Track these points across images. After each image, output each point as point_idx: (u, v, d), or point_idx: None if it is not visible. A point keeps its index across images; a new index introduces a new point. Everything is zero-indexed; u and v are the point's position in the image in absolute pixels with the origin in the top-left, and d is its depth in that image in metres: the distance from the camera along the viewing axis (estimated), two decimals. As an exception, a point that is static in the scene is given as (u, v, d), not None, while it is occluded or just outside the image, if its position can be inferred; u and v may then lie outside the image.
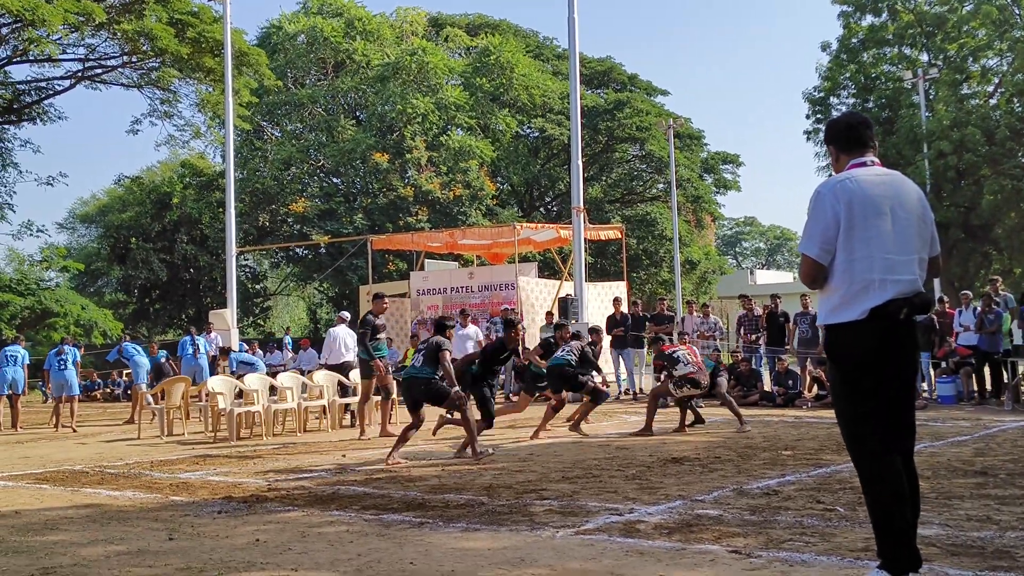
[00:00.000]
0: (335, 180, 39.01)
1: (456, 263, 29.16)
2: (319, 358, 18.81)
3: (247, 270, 42.00)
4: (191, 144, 37.51)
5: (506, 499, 6.94)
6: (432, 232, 28.97)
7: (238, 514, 6.76)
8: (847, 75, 34.89)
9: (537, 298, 22.19)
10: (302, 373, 16.95)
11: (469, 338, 15.45)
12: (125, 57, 29.30)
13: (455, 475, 8.45)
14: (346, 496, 7.41)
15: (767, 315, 17.98)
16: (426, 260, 27.67)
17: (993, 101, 32.77)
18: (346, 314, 16.90)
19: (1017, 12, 32.21)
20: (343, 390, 14.68)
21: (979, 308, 15.56)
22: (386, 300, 13.46)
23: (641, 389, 18.65)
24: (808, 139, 35.53)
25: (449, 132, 37.29)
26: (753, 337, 18.00)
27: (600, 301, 21.98)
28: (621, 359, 18.99)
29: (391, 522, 6.25)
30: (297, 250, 40.02)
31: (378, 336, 12.75)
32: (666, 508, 6.44)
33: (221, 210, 31.11)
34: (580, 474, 8.12)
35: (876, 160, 4.43)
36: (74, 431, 15.30)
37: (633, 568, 4.83)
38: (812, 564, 4.77)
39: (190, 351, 19.31)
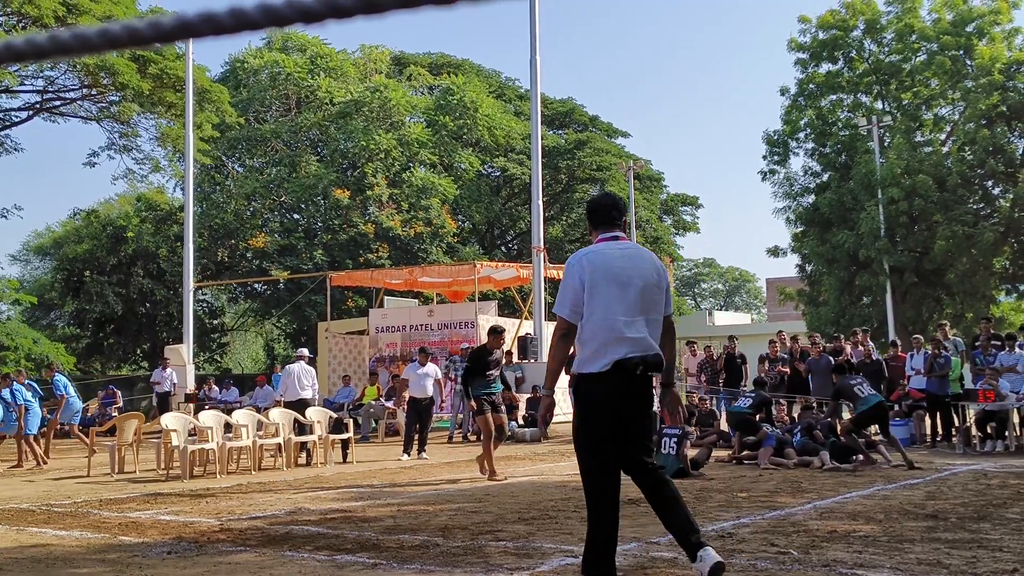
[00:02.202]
0: (296, 216, 38.90)
1: (416, 301, 29.14)
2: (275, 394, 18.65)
3: (204, 305, 41.60)
4: (149, 178, 37.26)
5: (461, 540, 6.90)
6: (392, 269, 28.96)
7: (188, 555, 6.64)
8: (805, 120, 35.49)
9: (496, 337, 22.16)
10: (258, 410, 16.76)
11: (428, 376, 15.40)
12: (85, 90, 29.13)
13: (410, 515, 8.39)
14: (299, 536, 7.32)
15: (725, 356, 18.13)
16: (385, 297, 27.61)
17: (945, 149, 33.47)
18: (305, 351, 16.80)
19: (969, 63, 33.00)
20: (300, 428, 14.54)
21: (930, 352, 15.80)
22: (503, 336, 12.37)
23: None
24: (764, 179, 36.04)
25: (411, 169, 37.39)
26: (710, 380, 18.14)
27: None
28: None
29: (344, 563, 6.18)
30: (256, 286, 39.76)
31: (489, 372, 11.84)
32: (621, 551, 6.42)
33: (179, 244, 30.88)
34: (536, 515, 8.09)
35: (622, 235, 5.26)
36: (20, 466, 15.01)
37: (587, 612, 4.80)
38: (765, 608, 4.78)
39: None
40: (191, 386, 23.90)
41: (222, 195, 37.67)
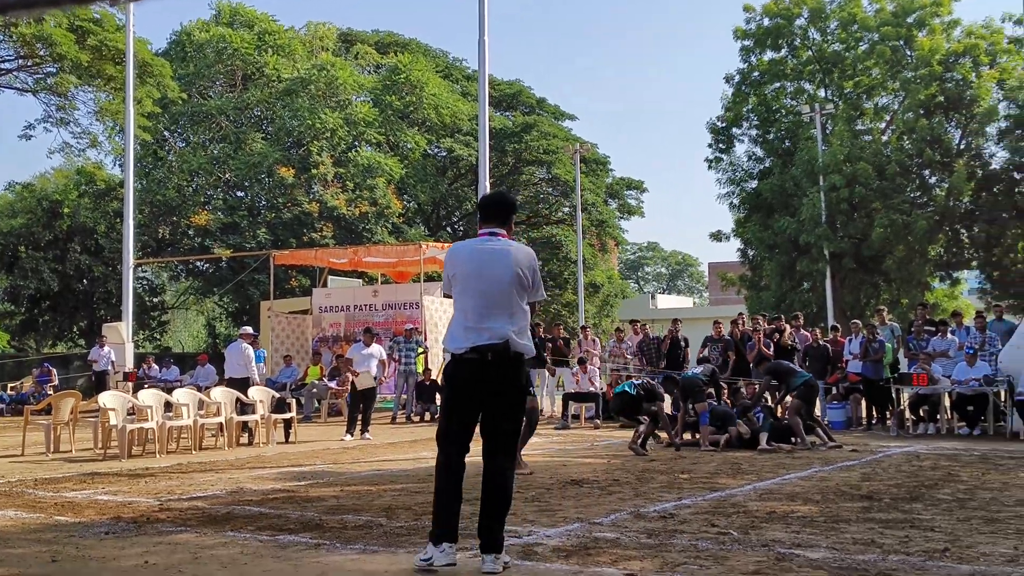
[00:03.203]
0: (239, 194, 38.38)
1: (360, 281, 28.96)
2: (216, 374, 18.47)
3: (144, 282, 40.90)
4: (87, 153, 36.44)
5: (405, 520, 6.90)
6: (336, 248, 28.71)
7: (127, 535, 6.56)
8: (749, 107, 35.83)
9: (442, 318, 22.14)
10: (199, 389, 16.57)
11: (373, 357, 15.33)
12: (21, 61, 28.39)
13: (354, 496, 8.37)
14: (241, 517, 7.26)
15: (670, 340, 18.28)
16: (329, 277, 27.39)
17: (885, 138, 34.03)
18: (249, 329, 16.63)
19: (909, 54, 33.54)
20: (242, 407, 14.41)
21: (865, 337, 16.11)
22: None
23: (542, 409, 18.73)
24: (710, 167, 36.35)
25: (357, 148, 37.08)
26: (655, 363, 18.25)
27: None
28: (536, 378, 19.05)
29: (287, 543, 6.15)
30: (198, 263, 39.19)
31: None
32: (564, 531, 6.48)
33: (118, 220, 30.30)
34: (479, 496, 8.10)
35: (499, 232, 5.60)
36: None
37: (530, 591, 4.84)
38: (705, 587, 4.86)
39: None
40: (130, 365, 23.53)
41: (163, 171, 37.01)
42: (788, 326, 17.34)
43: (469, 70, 46.35)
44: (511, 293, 5.44)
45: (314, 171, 35.29)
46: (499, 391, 5.41)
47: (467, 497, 5.49)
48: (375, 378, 15.40)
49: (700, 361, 15.32)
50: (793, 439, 12.58)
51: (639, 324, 19.52)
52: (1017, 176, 30.58)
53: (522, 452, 10.06)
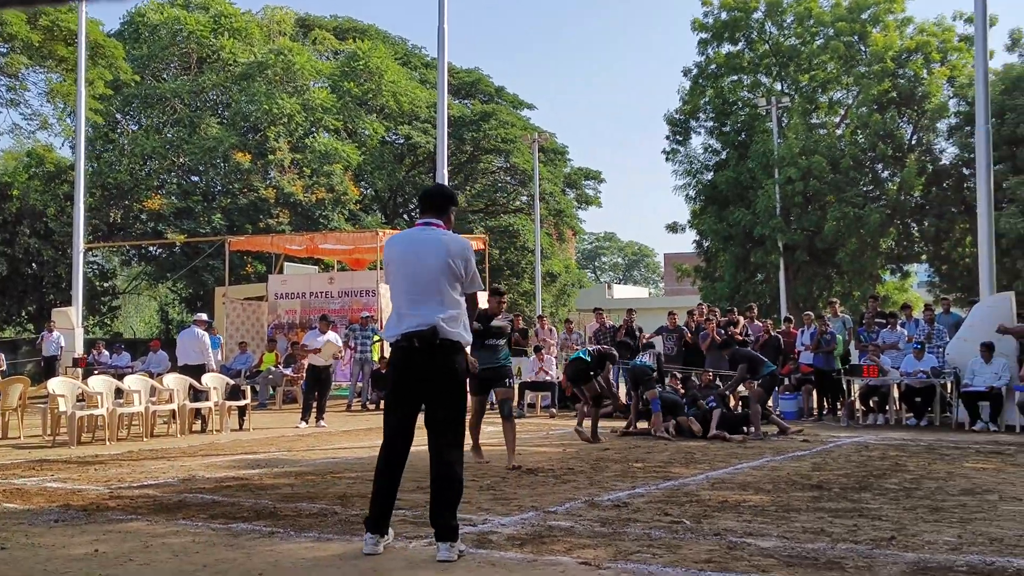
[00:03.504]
0: (194, 178, 37.91)
1: (316, 267, 28.78)
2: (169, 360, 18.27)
3: (95, 267, 40.27)
4: (37, 135, 35.79)
5: (360, 508, 6.89)
6: (293, 235, 28.51)
7: (76, 523, 6.49)
8: (706, 99, 36.05)
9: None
10: (151, 376, 16.39)
11: (329, 343, 15.27)
12: (-30, 39, 27.82)
13: (309, 483, 8.34)
14: (193, 504, 7.21)
15: (625, 330, 18.37)
16: (285, 263, 27.20)
17: (839, 132, 34.44)
18: (203, 316, 16.48)
19: (863, 49, 33.94)
20: (195, 394, 14.29)
21: (817, 329, 16.32)
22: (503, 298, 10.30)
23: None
24: (667, 159, 36.55)
25: (314, 134, 36.79)
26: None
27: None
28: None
29: (240, 532, 6.12)
30: (150, 248, 38.67)
31: (490, 341, 9.76)
32: (519, 519, 6.52)
33: (69, 203, 29.81)
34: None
35: (436, 223, 5.70)
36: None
37: (484, 579, 4.87)
38: (658, 575, 4.91)
39: None
40: (80, 350, 23.21)
41: (115, 154, 36.44)
42: (742, 318, 17.52)
43: (428, 57, 46.18)
44: (441, 281, 5.51)
45: (271, 157, 34.97)
46: (427, 378, 5.49)
47: (422, 486, 5.51)
48: (329, 368, 15.36)
49: (645, 347, 15.35)
50: (746, 428, 12.72)
51: (600, 311, 19.59)
52: (966, 172, 31.07)
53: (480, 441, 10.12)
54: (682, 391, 14.05)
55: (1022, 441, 12.10)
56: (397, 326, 5.55)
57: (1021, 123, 28.62)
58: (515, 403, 11.36)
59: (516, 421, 9.99)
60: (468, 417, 9.19)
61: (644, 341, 16.73)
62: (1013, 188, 28.03)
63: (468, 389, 9.60)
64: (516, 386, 11.10)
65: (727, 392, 13.90)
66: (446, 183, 20.20)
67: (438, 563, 5.22)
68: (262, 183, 34.96)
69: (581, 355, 12.46)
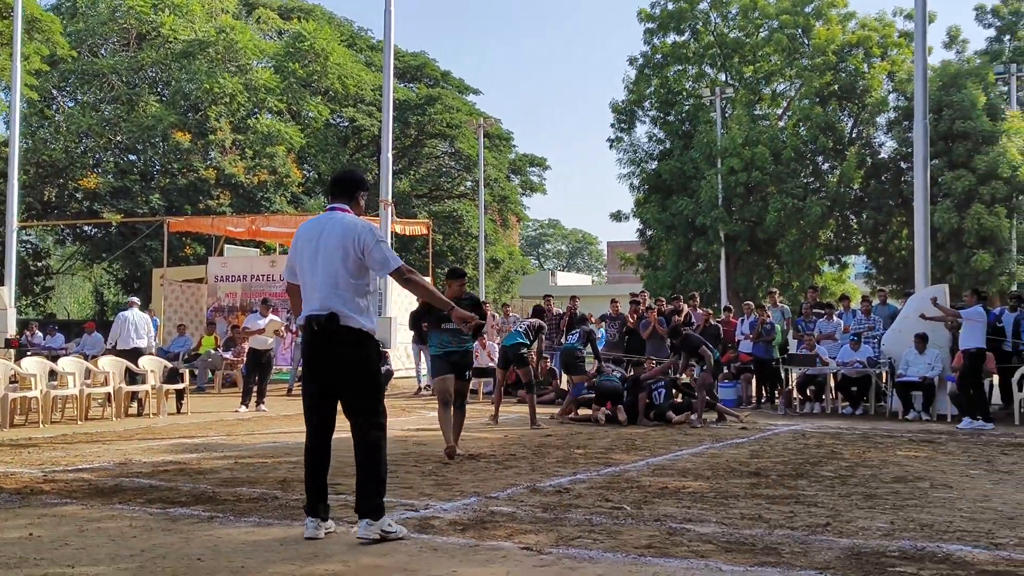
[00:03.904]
0: (132, 157, 37.19)
1: (258, 250, 28.43)
2: (105, 342, 17.91)
3: (28, 246, 39.36)
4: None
5: (300, 493, 6.81)
6: (233, 217, 28.15)
7: (9, 507, 6.36)
8: (651, 89, 36.26)
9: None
10: (86, 358, 16.08)
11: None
12: (-101, 9, 26.94)
13: (248, 468, 8.26)
14: (130, 489, 7.10)
15: (568, 317, 18.42)
16: (226, 246, 26.84)
17: (782, 124, 34.88)
18: (135, 299, 16.20)
19: (806, 42, 34.39)
20: (132, 378, 14.05)
21: (757, 318, 16.53)
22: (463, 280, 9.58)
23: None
24: (612, 147, 36.72)
25: (257, 115, 36.28)
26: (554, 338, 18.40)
27: (404, 295, 21.93)
28: (422, 354, 19.02)
29: (178, 516, 6.05)
30: (86, 228, 37.87)
31: (451, 325, 8.88)
32: (461, 505, 6.52)
33: (2, 180, 29.08)
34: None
35: (344, 208, 5.71)
36: None
37: (426, 564, 4.87)
38: (598, 560, 4.95)
39: None
40: (12, 331, 22.67)
41: (51, 131, 35.61)
42: (685, 306, 17.67)
43: (374, 40, 45.79)
44: (341, 267, 5.51)
45: (212, 137, 34.42)
46: (332, 364, 5.52)
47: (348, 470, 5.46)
48: (270, 351, 15.20)
49: (577, 323, 15.44)
50: (691, 414, 12.79)
51: (550, 298, 19.62)
52: (904, 166, 31.68)
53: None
54: (630, 374, 14.00)
55: (953, 430, 12.40)
56: (304, 311, 5.61)
57: (958, 119, 29.25)
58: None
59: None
60: (437, 410, 9.14)
61: (582, 315, 16.88)
62: (948, 183, 28.66)
63: (432, 372, 9.35)
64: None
65: (677, 376, 13.93)
66: (391, 167, 20.08)
67: (379, 547, 5.20)
68: (202, 163, 34.41)
69: (518, 338, 12.46)
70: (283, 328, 15.35)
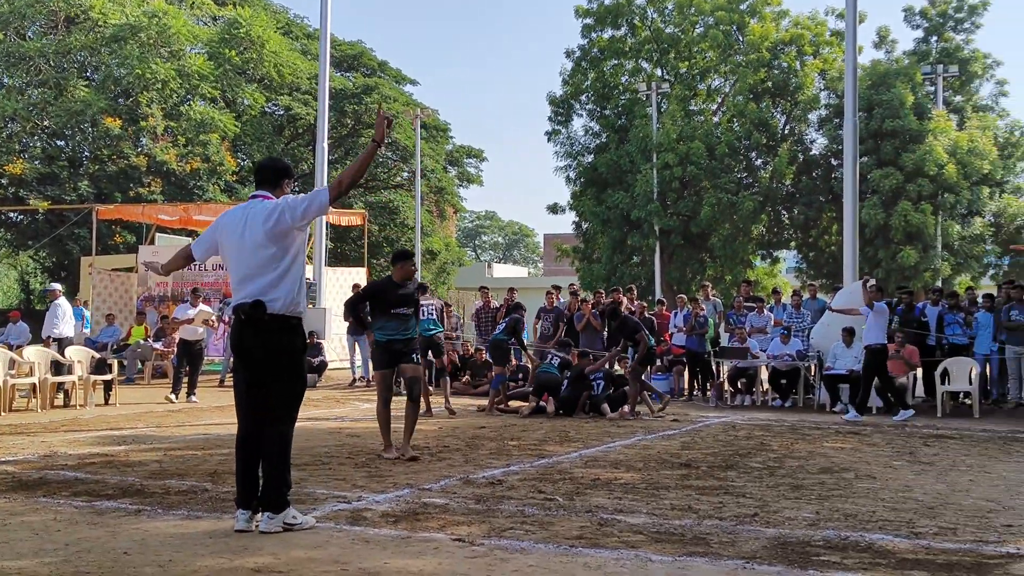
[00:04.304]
0: (60, 142, 36.30)
1: (190, 239, 27.95)
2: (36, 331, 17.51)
3: (-50, 233, 38.28)
4: None
5: (231, 485, 6.74)
6: (165, 205, 27.65)
7: (-72, 500, 6.19)
8: (588, 82, 36.43)
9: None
10: (10, 348, 15.69)
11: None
12: None
13: (178, 460, 8.15)
14: (55, 482, 6.97)
15: (506, 308, 18.42)
16: (157, 234, 26.37)
17: (716, 119, 35.30)
18: (57, 286, 15.84)
19: (740, 39, 34.84)
20: (57, 368, 13.75)
21: (691, 311, 16.74)
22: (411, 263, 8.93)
23: (374, 376, 18.68)
24: (549, 140, 36.83)
25: (190, 102, 35.64)
26: (485, 329, 18.41)
27: (339, 286, 21.81)
28: (357, 345, 18.92)
29: (104, 509, 5.95)
30: (11, 215, 36.88)
31: (397, 310, 8.50)
32: (394, 496, 6.52)
33: (-77, 165, 28.24)
34: (309, 461, 8.05)
35: (267, 195, 5.64)
36: None
37: (358, 556, 4.85)
38: (530, 551, 4.98)
39: None
40: (-67, 320, 22.05)
41: (-27, 115, 34.55)
42: (624, 298, 17.80)
43: (310, 28, 45.23)
44: (265, 254, 5.46)
45: (143, 123, 33.72)
46: (259, 352, 5.48)
47: (296, 463, 5.44)
48: (201, 342, 14.96)
49: (509, 310, 15.52)
50: (624, 407, 12.90)
51: (486, 290, 19.64)
52: (834, 162, 32.30)
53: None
54: (576, 363, 13.92)
55: (878, 422, 12.70)
56: (232, 301, 5.62)
57: (887, 118, 29.89)
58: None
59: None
60: (376, 405, 8.73)
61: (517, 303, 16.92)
62: (877, 180, 29.29)
63: (373, 363, 8.90)
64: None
65: (614, 359, 13.90)
66: (326, 156, 19.92)
67: (311, 539, 5.18)
68: (133, 150, 33.71)
69: (430, 324, 12.40)
70: (213, 318, 15.12)
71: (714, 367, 16.54)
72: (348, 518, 5.75)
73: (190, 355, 14.70)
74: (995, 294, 15.85)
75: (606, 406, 12.91)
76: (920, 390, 15.50)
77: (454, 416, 12.46)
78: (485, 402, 13.88)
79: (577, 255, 37.35)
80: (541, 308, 17.93)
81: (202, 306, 15.04)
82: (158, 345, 19.32)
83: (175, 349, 15.80)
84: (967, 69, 36.41)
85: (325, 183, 19.79)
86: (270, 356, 5.49)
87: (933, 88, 33.99)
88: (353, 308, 8.59)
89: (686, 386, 16.90)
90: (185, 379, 14.64)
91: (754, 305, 17.04)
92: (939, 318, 15.39)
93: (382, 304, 8.52)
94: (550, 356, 13.91)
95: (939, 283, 28.55)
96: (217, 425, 11.15)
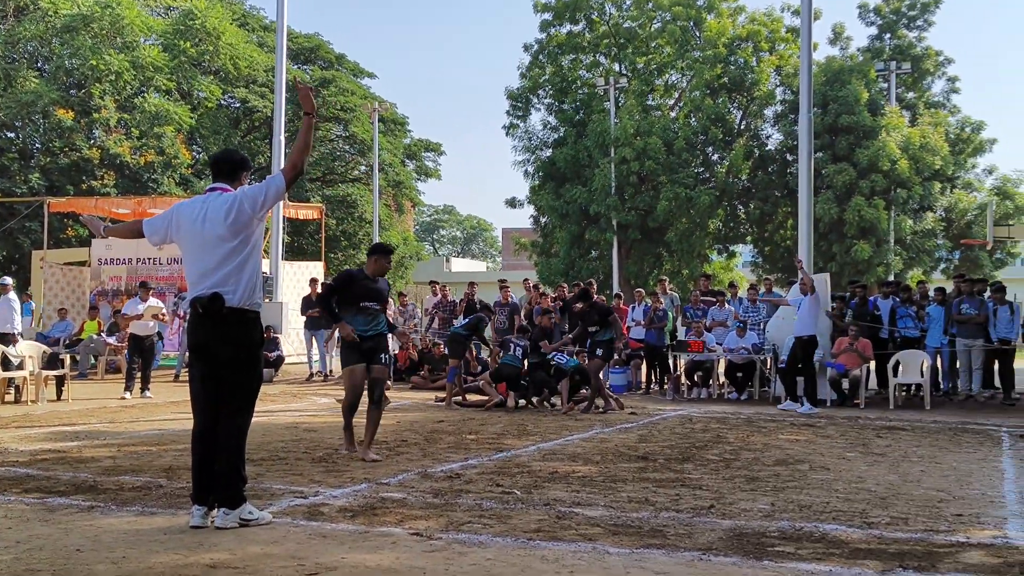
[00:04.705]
0: (10, 134, 35.65)
1: (144, 234, 27.53)
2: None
3: None
4: None
5: (186, 481, 6.69)
6: (119, 198, 27.28)
7: None
8: (546, 77, 36.46)
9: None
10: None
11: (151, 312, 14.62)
12: None
13: (132, 456, 8.05)
14: (5, 479, 6.85)
15: (466, 303, 18.43)
16: (110, 228, 25.97)
17: (673, 114, 35.49)
18: (8, 280, 15.59)
19: (698, 35, 35.05)
20: (5, 363, 13.52)
21: (650, 305, 16.84)
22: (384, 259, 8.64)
23: (332, 371, 18.62)
24: (507, 134, 36.85)
25: (145, 94, 35.17)
26: (445, 322, 18.40)
27: (296, 280, 21.67)
28: (314, 340, 18.82)
29: (57, 506, 5.86)
30: (-41, 207, 36.19)
31: (367, 304, 8.25)
32: (351, 491, 6.49)
33: None
34: (266, 456, 7.99)
35: (225, 188, 5.60)
36: None
37: (315, 551, 4.83)
38: (488, 545, 4.99)
39: None
40: None
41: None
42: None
43: (267, 20, 44.83)
44: (226, 247, 5.45)
45: (96, 115, 33.23)
46: (217, 345, 5.44)
47: (252, 459, 5.39)
48: (152, 336, 14.74)
49: (467, 310, 15.61)
50: (578, 403, 12.93)
51: (438, 285, 19.61)
52: (789, 158, 32.59)
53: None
54: (542, 345, 13.83)
55: (832, 414, 12.86)
56: (190, 294, 5.55)
57: (842, 113, 30.23)
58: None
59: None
60: (343, 403, 8.31)
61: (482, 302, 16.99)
62: (831, 175, 29.62)
63: (342, 360, 8.19)
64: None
65: (580, 338, 13.82)
66: (283, 149, 19.75)
67: (268, 535, 5.14)
68: (86, 143, 33.21)
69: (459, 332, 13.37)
70: (163, 312, 14.92)
71: (671, 361, 16.65)
72: (305, 513, 5.72)
73: (141, 350, 14.52)
74: (947, 288, 16.15)
75: (565, 383, 12.76)
76: (873, 382, 15.73)
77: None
78: (444, 394, 13.88)
79: (535, 249, 37.41)
80: (496, 302, 17.96)
81: (152, 300, 14.84)
82: (111, 340, 19.08)
83: (127, 344, 15.59)
84: (920, 66, 36.90)
85: (282, 176, 19.66)
86: (228, 349, 5.45)
87: (887, 85, 34.42)
88: (327, 299, 8.20)
89: (644, 379, 17.01)
90: (138, 374, 14.46)
91: (713, 299, 17.17)
92: (892, 312, 15.64)
93: (351, 296, 8.13)
94: (512, 346, 13.82)
95: (891, 277, 28.97)
96: (172, 420, 11.04)
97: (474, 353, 15.35)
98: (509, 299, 17.89)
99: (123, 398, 13.98)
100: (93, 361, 19.08)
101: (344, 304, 8.16)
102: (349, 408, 8.26)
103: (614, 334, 13.02)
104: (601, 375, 13.54)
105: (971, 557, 4.89)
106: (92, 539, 5.03)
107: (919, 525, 5.64)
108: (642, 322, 16.77)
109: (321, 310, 8.74)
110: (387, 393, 12.71)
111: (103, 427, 10.43)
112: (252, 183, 5.76)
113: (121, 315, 16.29)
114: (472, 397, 13.93)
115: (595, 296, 17.47)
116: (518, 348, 13.66)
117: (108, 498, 6.13)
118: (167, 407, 12.91)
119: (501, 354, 14.11)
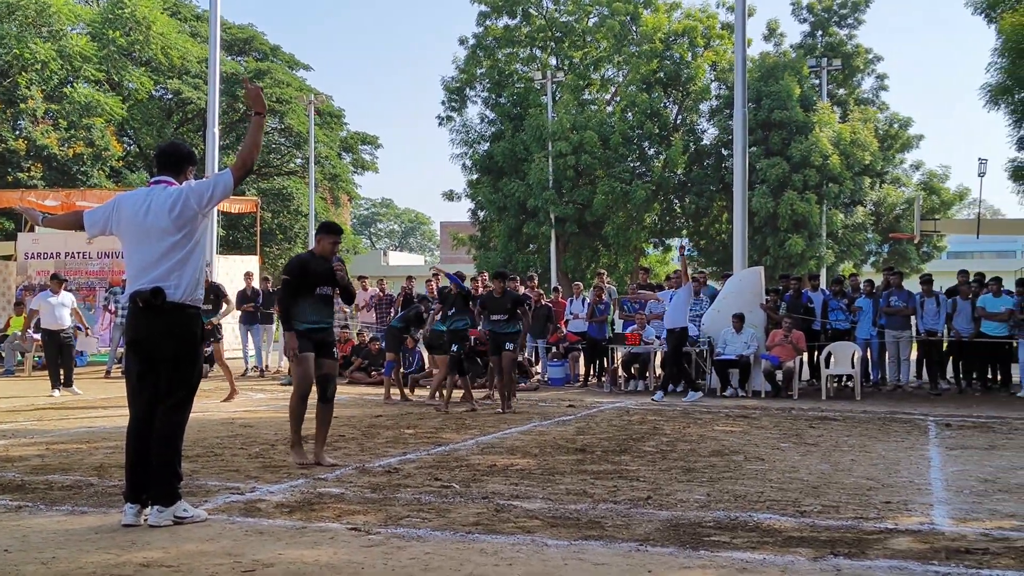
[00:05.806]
0: (-69, 125, 34.62)
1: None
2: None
3: None
4: None
5: (118, 479, 6.56)
6: (46, 191, 26.63)
7: None
8: (483, 70, 36.45)
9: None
10: None
11: (64, 306, 14.22)
12: None
13: (61, 454, 7.88)
14: (-71, 479, 6.66)
15: (403, 297, 18.34)
16: (37, 221, 25.37)
17: (610, 109, 35.72)
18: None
19: (634, 30, 35.30)
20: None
21: (590, 299, 16.93)
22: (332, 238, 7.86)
23: (268, 366, 18.42)
24: (441, 124, 36.79)
25: (73, 84, 34.38)
26: (381, 317, 18.32)
27: (232, 275, 21.35)
28: (250, 335, 18.59)
29: (-17, 507, 5.71)
30: None
31: (321, 289, 7.68)
32: (288, 487, 6.43)
33: None
34: (201, 452, 7.88)
35: (169, 181, 5.52)
36: None
37: (252, 548, 4.77)
38: (427, 539, 4.98)
39: None
40: None
41: None
42: (522, 287, 17.89)
43: (199, 9, 44.10)
44: (169, 241, 5.37)
45: (22, 105, 32.40)
46: (155, 340, 5.36)
47: (188, 455, 5.31)
48: (65, 330, 14.29)
49: (417, 298, 15.65)
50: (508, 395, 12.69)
51: (367, 280, 19.50)
52: (725, 152, 33.04)
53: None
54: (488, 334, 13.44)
55: (766, 405, 13.06)
56: (129, 287, 5.46)
57: (775, 109, 30.71)
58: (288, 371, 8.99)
59: (288, 388, 9.46)
60: (291, 395, 7.65)
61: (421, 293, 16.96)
62: (765, 169, 30.07)
63: (289, 357, 7.51)
64: None
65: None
66: (217, 142, 19.49)
67: (203, 532, 5.07)
68: (11, 134, 32.38)
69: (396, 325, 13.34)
70: (75, 306, 14.47)
71: (608, 353, 16.76)
72: (241, 510, 5.65)
73: (58, 345, 14.13)
74: (876, 281, 16.50)
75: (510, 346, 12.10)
76: (806, 374, 16.00)
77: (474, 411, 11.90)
78: (382, 390, 13.81)
79: (474, 243, 37.42)
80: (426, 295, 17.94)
81: (64, 295, 14.46)
82: (38, 336, 18.62)
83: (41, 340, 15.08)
84: (850, 63, 37.64)
85: (216, 169, 19.35)
86: (168, 344, 5.37)
87: (818, 81, 35.04)
88: (288, 299, 7.56)
89: (582, 372, 17.10)
90: (60, 372, 14.05)
91: (652, 293, 17.30)
92: (824, 304, 15.93)
93: (307, 284, 7.51)
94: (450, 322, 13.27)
95: (824, 270, 29.51)
96: (103, 418, 10.83)
97: (412, 342, 15.12)
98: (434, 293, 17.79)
99: (51, 396, 13.65)
100: (19, 358, 18.63)
101: (300, 293, 7.57)
102: (300, 399, 7.57)
103: (522, 327, 12.40)
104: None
105: (899, 543, 5.00)
106: (20, 539, 4.91)
107: (849, 513, 5.76)
108: (581, 315, 16.85)
109: (281, 313, 7.95)
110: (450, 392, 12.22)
111: (31, 425, 10.19)
112: (196, 178, 5.68)
113: (29, 311, 15.78)
114: (457, 393, 13.08)
115: (533, 290, 17.59)
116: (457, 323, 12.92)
117: (37, 497, 5.99)
118: (97, 404, 12.65)
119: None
